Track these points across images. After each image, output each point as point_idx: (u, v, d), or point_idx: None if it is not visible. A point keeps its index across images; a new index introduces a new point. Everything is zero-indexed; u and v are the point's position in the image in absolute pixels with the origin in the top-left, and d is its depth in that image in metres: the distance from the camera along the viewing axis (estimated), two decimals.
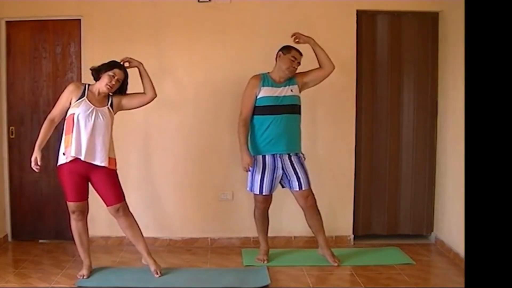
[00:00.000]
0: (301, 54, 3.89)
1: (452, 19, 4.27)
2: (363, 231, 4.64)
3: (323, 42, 4.42)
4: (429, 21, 4.52)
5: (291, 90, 3.87)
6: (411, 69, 4.54)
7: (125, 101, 3.69)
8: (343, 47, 4.42)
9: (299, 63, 3.88)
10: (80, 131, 3.48)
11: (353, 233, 4.60)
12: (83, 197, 3.62)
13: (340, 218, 4.56)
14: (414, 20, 4.51)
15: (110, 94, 3.63)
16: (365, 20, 4.49)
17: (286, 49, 3.89)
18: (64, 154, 3.51)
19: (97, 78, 3.60)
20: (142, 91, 3.73)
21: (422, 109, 4.57)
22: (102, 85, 3.54)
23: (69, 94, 3.56)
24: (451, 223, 4.27)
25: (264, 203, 3.98)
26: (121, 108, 3.70)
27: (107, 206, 3.65)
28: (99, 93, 3.58)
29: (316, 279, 3.72)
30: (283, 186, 4.00)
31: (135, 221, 3.73)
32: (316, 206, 3.99)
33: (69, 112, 3.53)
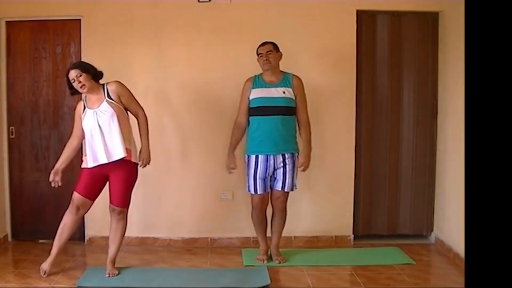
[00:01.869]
0: (264, 44, 3.88)
1: (452, 19, 4.27)
2: (363, 231, 4.64)
3: (323, 42, 4.44)
4: (429, 21, 4.52)
5: (284, 92, 3.85)
6: (411, 69, 4.54)
7: (124, 99, 3.65)
8: (343, 47, 4.42)
9: (269, 52, 3.85)
10: (90, 139, 3.57)
11: (353, 233, 4.61)
12: (91, 195, 3.65)
13: (340, 218, 4.56)
14: (414, 20, 4.51)
15: (105, 84, 3.64)
16: (365, 20, 4.49)
17: (256, 52, 3.92)
18: (83, 161, 3.66)
19: (75, 90, 3.62)
20: (141, 109, 3.74)
21: (422, 109, 4.57)
22: (80, 90, 3.58)
23: (77, 114, 3.67)
24: (451, 223, 4.27)
25: (260, 202, 3.96)
26: (120, 95, 3.63)
27: (109, 202, 3.69)
28: (91, 94, 3.60)
29: (316, 279, 3.72)
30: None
31: (123, 228, 3.75)
32: (285, 210, 4.01)
33: (82, 125, 3.63)
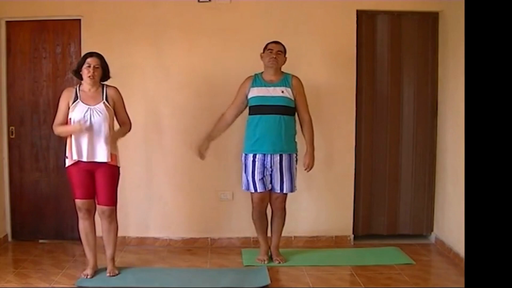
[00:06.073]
0: (277, 43, 3.89)
1: (452, 19, 4.27)
2: (363, 231, 4.64)
3: (323, 42, 4.44)
4: (429, 21, 4.52)
5: (282, 92, 3.84)
6: (411, 69, 4.54)
7: (117, 106, 3.67)
8: (343, 47, 4.42)
9: (279, 52, 3.86)
10: (78, 134, 3.53)
11: (353, 233, 4.61)
12: (90, 195, 3.64)
13: (340, 218, 4.56)
14: (414, 20, 4.51)
15: (105, 85, 3.64)
16: (365, 20, 4.49)
17: (264, 47, 3.92)
18: (67, 157, 3.60)
19: (81, 77, 3.62)
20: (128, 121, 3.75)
21: (422, 109, 4.57)
22: (85, 78, 3.57)
23: (65, 99, 3.61)
24: (451, 223, 4.27)
25: (260, 201, 3.94)
26: (116, 101, 3.66)
27: (97, 204, 3.67)
28: (89, 89, 3.60)
29: (316, 279, 3.72)
30: None
31: (116, 229, 3.73)
32: (284, 210, 4.01)
33: (69, 116, 3.57)
